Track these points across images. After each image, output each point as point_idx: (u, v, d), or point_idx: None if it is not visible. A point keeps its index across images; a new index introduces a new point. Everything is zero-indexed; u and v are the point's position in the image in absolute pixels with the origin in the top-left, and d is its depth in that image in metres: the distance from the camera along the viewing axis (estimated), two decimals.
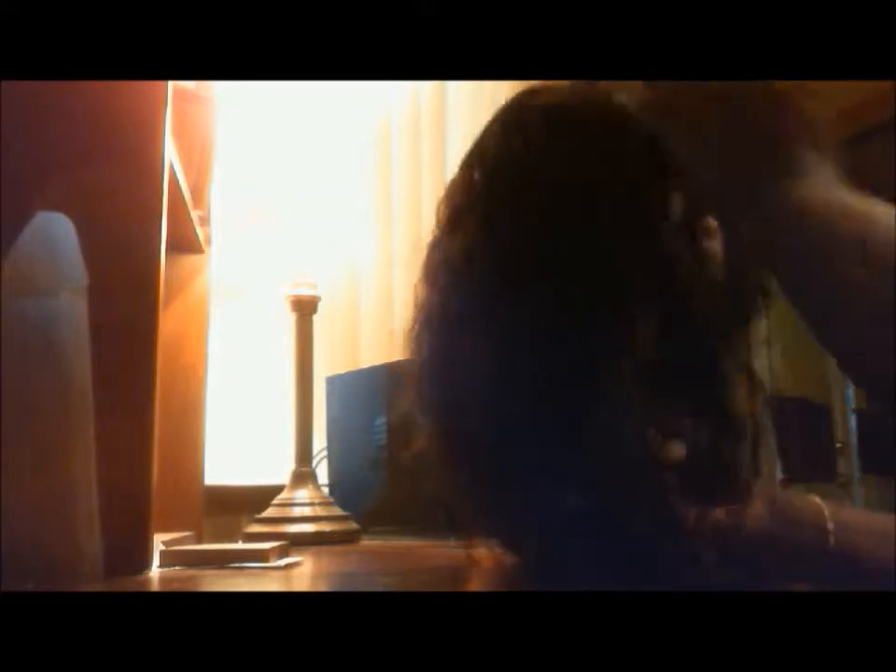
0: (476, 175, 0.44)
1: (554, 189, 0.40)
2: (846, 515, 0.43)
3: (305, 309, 0.91)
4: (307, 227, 0.89)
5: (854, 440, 2.54)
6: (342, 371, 1.10)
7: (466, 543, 0.44)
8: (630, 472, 0.38)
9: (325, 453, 1.03)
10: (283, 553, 0.64)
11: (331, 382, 1.04)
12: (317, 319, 0.92)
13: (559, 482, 0.37)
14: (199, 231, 0.87)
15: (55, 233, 0.47)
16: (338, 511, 0.87)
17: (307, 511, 0.85)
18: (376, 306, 1.21)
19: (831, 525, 0.41)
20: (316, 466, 0.93)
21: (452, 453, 0.41)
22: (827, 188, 0.37)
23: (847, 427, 2.61)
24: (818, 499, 0.44)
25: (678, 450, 0.39)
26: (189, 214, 0.80)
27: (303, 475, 0.89)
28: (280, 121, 0.90)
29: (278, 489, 0.89)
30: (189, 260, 0.90)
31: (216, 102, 0.90)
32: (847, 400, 2.64)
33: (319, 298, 0.91)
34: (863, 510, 0.52)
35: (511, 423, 0.38)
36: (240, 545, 0.76)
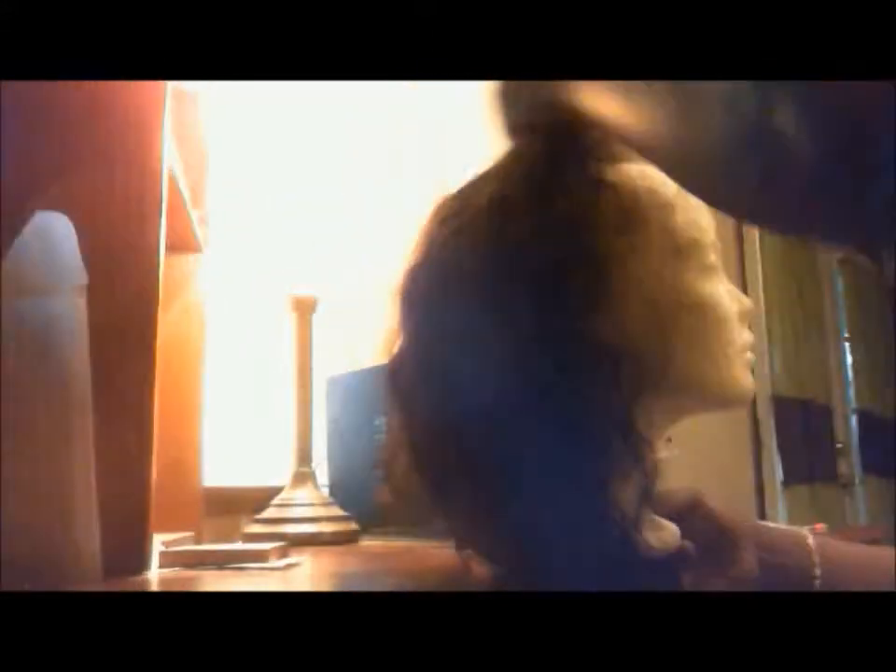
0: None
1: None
2: (836, 552, 0.42)
3: (305, 309, 0.91)
4: (307, 226, 0.89)
5: (855, 440, 2.53)
6: (342, 371, 1.10)
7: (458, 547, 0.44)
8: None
9: (325, 453, 1.03)
10: (282, 553, 0.64)
11: (332, 382, 1.04)
12: (317, 319, 0.92)
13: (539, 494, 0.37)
14: (198, 230, 0.87)
15: (54, 233, 0.47)
16: (338, 512, 0.87)
17: (307, 512, 0.85)
18: (377, 306, 1.20)
19: (817, 570, 0.40)
20: (316, 466, 0.93)
21: (437, 456, 0.40)
22: None
23: (848, 427, 2.60)
24: (807, 537, 0.43)
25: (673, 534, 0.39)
26: (189, 213, 0.80)
27: (303, 475, 0.89)
28: (280, 120, 0.89)
29: (278, 490, 0.89)
30: (188, 260, 0.90)
31: (209, 100, 0.90)
32: (847, 401, 2.64)
33: (319, 298, 0.91)
34: (857, 544, 0.51)
35: (500, 432, 0.37)
36: (240, 546, 0.75)
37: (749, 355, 0.45)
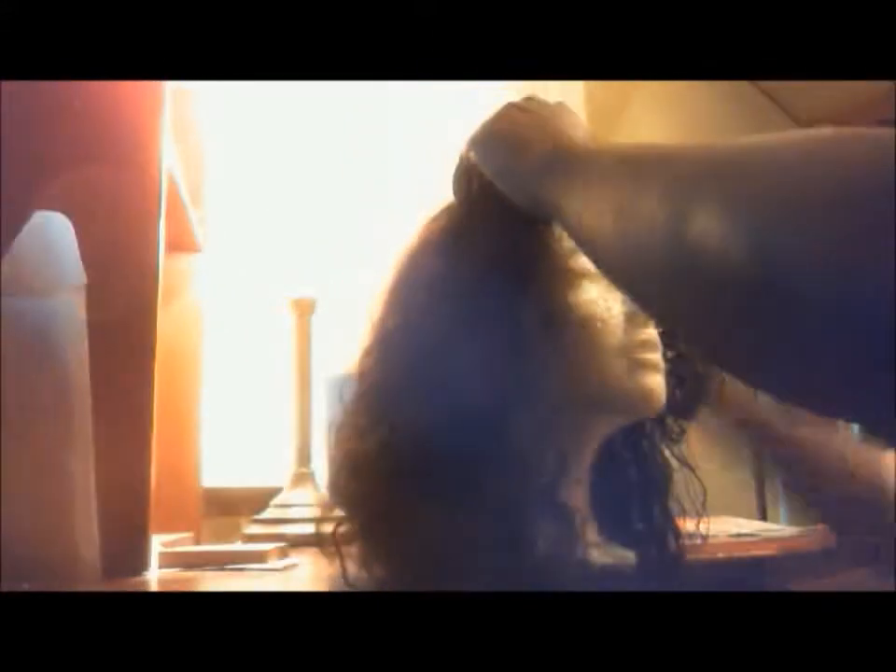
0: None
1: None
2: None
3: (304, 310, 0.90)
4: (306, 227, 0.89)
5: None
6: (341, 372, 1.09)
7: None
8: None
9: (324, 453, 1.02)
10: (282, 554, 0.63)
11: (332, 383, 1.04)
12: (316, 320, 0.92)
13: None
14: (197, 230, 0.87)
15: (53, 233, 0.47)
16: (338, 513, 0.87)
17: (306, 513, 0.85)
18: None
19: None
20: (315, 467, 0.93)
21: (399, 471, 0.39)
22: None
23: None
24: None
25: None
26: (188, 213, 0.80)
27: (303, 476, 0.88)
28: (279, 120, 0.89)
29: (277, 491, 0.89)
30: (187, 260, 0.90)
31: (208, 99, 0.90)
32: None
33: (318, 299, 0.91)
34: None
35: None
36: (239, 546, 0.75)
37: (641, 355, 0.41)
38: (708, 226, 0.22)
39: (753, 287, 0.20)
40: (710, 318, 0.23)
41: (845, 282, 0.18)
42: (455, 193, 0.44)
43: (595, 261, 0.32)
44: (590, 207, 0.30)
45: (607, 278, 0.32)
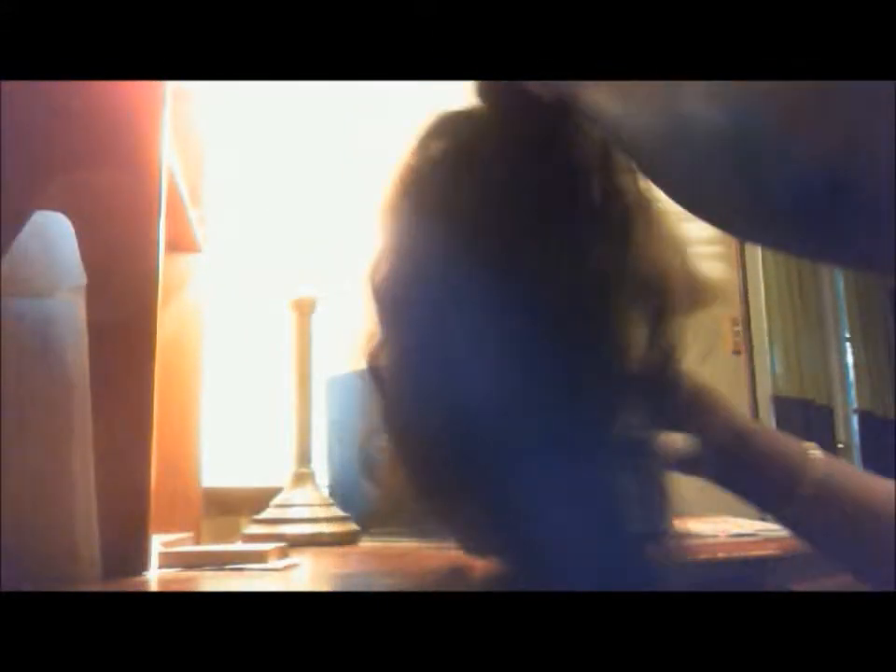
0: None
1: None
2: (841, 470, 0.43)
3: (304, 309, 0.91)
4: (307, 226, 0.89)
5: (856, 440, 2.53)
6: (342, 371, 1.10)
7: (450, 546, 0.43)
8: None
9: (325, 453, 1.02)
10: (282, 554, 0.63)
11: (332, 383, 1.04)
12: (317, 319, 0.92)
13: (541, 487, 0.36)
14: (196, 230, 0.87)
15: (53, 233, 0.47)
16: (338, 513, 0.87)
17: (306, 513, 0.85)
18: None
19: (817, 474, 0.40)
20: (316, 467, 0.93)
21: (430, 457, 0.39)
22: None
23: (849, 427, 2.60)
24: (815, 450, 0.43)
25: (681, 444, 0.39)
26: (188, 213, 0.80)
27: (303, 476, 0.89)
28: (279, 121, 0.89)
29: (277, 490, 0.89)
30: (187, 260, 0.90)
31: (206, 98, 0.90)
32: (849, 401, 2.65)
33: (319, 298, 0.91)
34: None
35: (497, 426, 0.36)
36: (239, 546, 0.75)
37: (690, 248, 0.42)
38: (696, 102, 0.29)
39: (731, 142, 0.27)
40: (705, 175, 0.29)
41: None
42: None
43: (619, 143, 0.36)
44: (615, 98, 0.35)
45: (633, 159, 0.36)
